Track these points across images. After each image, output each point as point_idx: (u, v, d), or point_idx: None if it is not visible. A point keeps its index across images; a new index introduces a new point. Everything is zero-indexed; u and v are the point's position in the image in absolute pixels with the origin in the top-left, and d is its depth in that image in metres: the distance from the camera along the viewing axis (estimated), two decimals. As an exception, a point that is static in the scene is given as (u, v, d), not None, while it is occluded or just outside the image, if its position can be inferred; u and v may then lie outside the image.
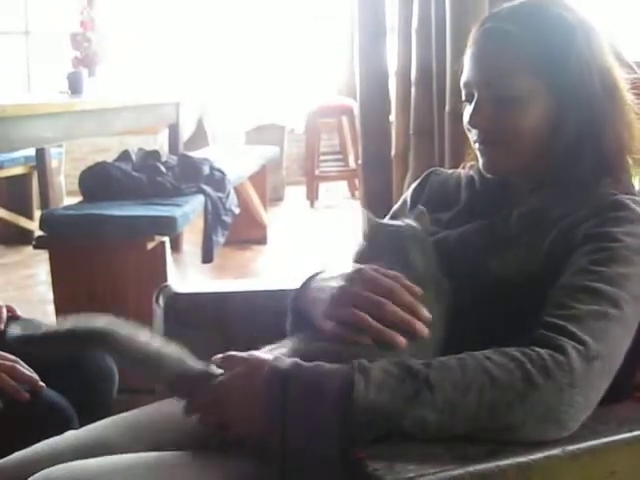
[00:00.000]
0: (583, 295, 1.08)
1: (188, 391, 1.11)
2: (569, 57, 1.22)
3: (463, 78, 1.29)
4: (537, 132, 1.23)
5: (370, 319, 1.09)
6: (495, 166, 1.28)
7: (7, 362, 1.51)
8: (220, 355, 1.12)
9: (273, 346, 1.15)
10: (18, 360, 1.52)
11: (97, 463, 1.13)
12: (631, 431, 1.03)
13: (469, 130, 1.30)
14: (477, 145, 1.29)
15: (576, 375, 1.00)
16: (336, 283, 1.16)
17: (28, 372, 1.51)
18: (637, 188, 1.30)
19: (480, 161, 1.30)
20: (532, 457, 0.95)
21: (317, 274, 1.25)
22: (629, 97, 1.26)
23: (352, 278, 1.15)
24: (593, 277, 1.10)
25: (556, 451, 0.97)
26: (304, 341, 1.15)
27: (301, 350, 1.11)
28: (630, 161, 1.28)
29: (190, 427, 1.28)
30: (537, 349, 1.01)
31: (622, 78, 1.26)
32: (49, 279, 3.08)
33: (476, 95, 1.26)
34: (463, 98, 1.31)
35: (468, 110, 1.28)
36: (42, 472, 1.12)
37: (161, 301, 1.58)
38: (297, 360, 1.04)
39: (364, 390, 0.97)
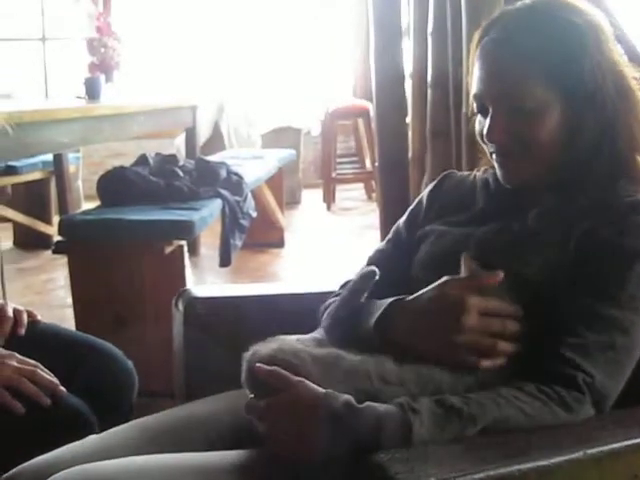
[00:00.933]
0: (595, 322, 1.12)
1: (256, 389, 1.14)
2: (582, 63, 1.20)
3: (474, 90, 1.27)
4: (554, 141, 1.23)
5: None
6: (514, 178, 1.28)
7: (28, 367, 1.51)
8: (266, 367, 1.12)
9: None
10: (39, 365, 1.53)
11: (112, 465, 1.14)
12: (653, 434, 1.03)
13: (485, 143, 1.29)
14: (495, 157, 1.28)
15: (589, 405, 1.09)
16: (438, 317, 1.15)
17: (49, 377, 1.52)
18: None
19: (499, 173, 1.29)
20: (553, 460, 0.95)
21: (399, 299, 1.23)
22: None
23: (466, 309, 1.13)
24: (607, 301, 1.13)
25: (577, 454, 0.96)
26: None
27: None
28: None
29: (209, 430, 1.29)
30: (556, 387, 1.08)
31: (633, 76, 1.25)
32: (68, 283, 3.09)
33: (490, 109, 1.24)
34: (475, 110, 1.30)
35: (482, 122, 1.27)
36: (59, 474, 1.13)
37: (180, 305, 1.58)
38: (349, 399, 1.04)
39: (420, 431, 1.01)
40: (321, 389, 1.07)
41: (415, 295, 1.20)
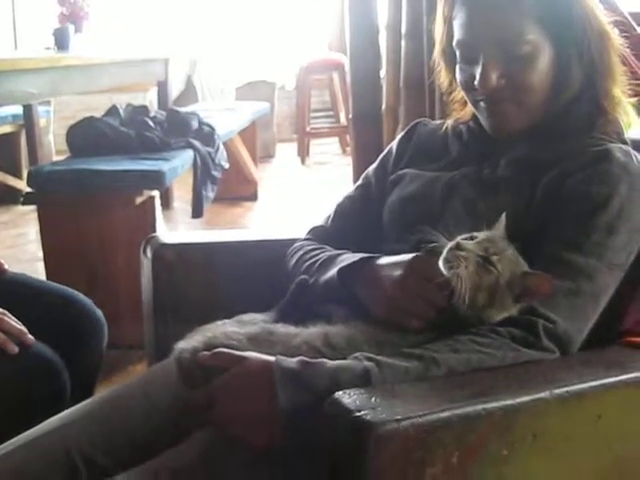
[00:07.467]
0: (560, 268, 1.12)
1: (202, 375, 1.10)
2: (572, 8, 1.21)
3: (459, 37, 1.25)
4: (544, 85, 1.23)
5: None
6: (505, 125, 1.27)
7: (-5, 314, 1.50)
8: (207, 352, 1.10)
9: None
10: (6, 312, 1.51)
11: None
12: (618, 375, 1.04)
13: (469, 92, 1.28)
14: (482, 105, 1.27)
15: (547, 350, 1.08)
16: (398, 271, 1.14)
17: (17, 324, 1.50)
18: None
19: (487, 122, 1.28)
20: (518, 400, 0.95)
21: (370, 257, 1.22)
22: (617, 40, 1.26)
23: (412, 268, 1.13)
24: (572, 248, 1.13)
25: (543, 394, 0.97)
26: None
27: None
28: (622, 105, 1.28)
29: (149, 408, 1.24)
30: (512, 330, 1.07)
31: (607, 21, 1.26)
32: (39, 238, 3.06)
33: (482, 57, 1.22)
34: (458, 59, 1.27)
35: (466, 70, 1.26)
36: None
37: (149, 252, 1.57)
38: (303, 358, 1.02)
39: (380, 374, 1.00)
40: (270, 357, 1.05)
41: (391, 262, 1.18)
